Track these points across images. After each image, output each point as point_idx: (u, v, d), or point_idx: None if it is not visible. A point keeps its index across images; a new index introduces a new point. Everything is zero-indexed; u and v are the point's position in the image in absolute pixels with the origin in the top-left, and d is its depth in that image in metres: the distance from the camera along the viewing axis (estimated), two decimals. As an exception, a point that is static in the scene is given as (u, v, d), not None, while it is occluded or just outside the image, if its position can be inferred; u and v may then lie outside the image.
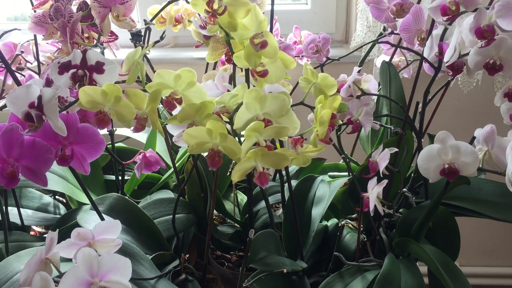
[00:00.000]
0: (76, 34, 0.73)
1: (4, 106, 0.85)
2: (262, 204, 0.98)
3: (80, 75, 0.63)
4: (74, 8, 0.78)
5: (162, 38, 0.88)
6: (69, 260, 0.62)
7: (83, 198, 1.00)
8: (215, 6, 0.63)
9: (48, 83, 0.68)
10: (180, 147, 1.09)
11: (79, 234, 0.63)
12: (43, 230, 1.07)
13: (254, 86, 0.69)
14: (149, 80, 0.75)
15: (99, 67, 0.64)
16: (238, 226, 1.03)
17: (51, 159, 0.67)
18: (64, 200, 1.09)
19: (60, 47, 0.77)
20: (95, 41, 0.79)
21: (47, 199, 1.05)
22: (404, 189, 0.86)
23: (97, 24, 0.77)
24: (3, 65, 0.75)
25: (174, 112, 0.67)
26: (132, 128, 0.66)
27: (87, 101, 0.62)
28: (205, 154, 0.64)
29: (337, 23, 1.47)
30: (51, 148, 0.67)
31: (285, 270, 0.73)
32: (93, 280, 0.56)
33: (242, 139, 0.65)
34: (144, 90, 0.66)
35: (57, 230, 0.63)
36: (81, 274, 0.56)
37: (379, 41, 0.96)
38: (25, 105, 0.62)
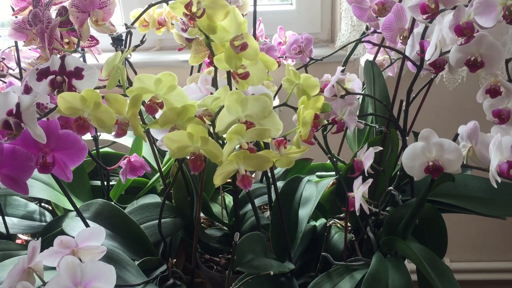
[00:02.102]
0: (55, 39, 0.72)
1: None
2: (250, 206, 0.97)
3: (59, 81, 0.63)
4: (53, 13, 0.77)
5: (142, 42, 0.87)
6: (54, 268, 0.62)
7: (69, 205, 0.98)
8: (194, 9, 0.63)
9: (27, 90, 0.67)
10: (166, 151, 1.08)
11: (62, 242, 0.62)
12: (29, 238, 1.06)
13: (236, 88, 0.69)
14: (131, 84, 0.75)
15: (78, 73, 0.64)
16: (226, 229, 1.03)
17: (32, 167, 0.66)
18: (50, 207, 1.08)
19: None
20: (75, 46, 0.79)
21: (33, 206, 1.04)
22: (390, 188, 0.87)
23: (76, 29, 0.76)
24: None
25: (157, 116, 0.66)
26: (113, 133, 0.65)
27: (66, 107, 0.61)
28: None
29: (322, 23, 1.47)
30: (31, 155, 0.66)
31: (271, 272, 0.72)
32: (76, 289, 0.55)
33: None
34: (125, 95, 0.65)
35: (40, 238, 0.63)
36: (64, 283, 0.55)
37: (361, 40, 0.96)
38: (3, 113, 0.61)
